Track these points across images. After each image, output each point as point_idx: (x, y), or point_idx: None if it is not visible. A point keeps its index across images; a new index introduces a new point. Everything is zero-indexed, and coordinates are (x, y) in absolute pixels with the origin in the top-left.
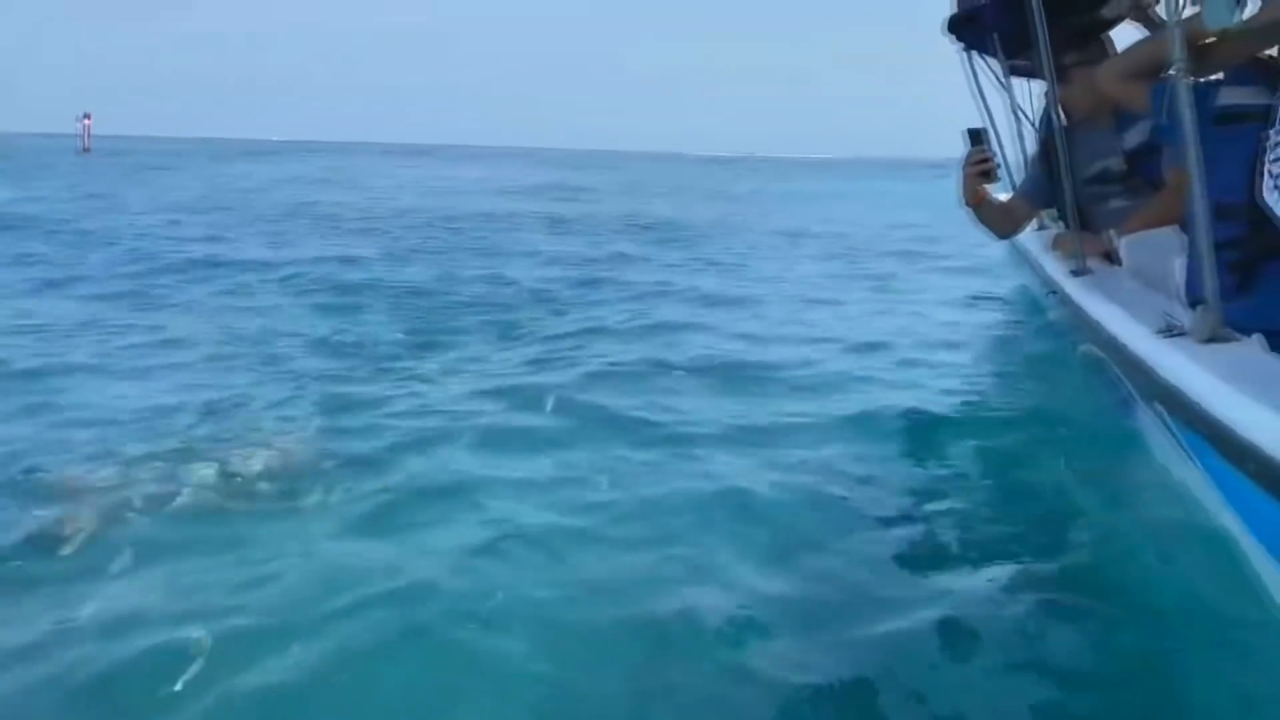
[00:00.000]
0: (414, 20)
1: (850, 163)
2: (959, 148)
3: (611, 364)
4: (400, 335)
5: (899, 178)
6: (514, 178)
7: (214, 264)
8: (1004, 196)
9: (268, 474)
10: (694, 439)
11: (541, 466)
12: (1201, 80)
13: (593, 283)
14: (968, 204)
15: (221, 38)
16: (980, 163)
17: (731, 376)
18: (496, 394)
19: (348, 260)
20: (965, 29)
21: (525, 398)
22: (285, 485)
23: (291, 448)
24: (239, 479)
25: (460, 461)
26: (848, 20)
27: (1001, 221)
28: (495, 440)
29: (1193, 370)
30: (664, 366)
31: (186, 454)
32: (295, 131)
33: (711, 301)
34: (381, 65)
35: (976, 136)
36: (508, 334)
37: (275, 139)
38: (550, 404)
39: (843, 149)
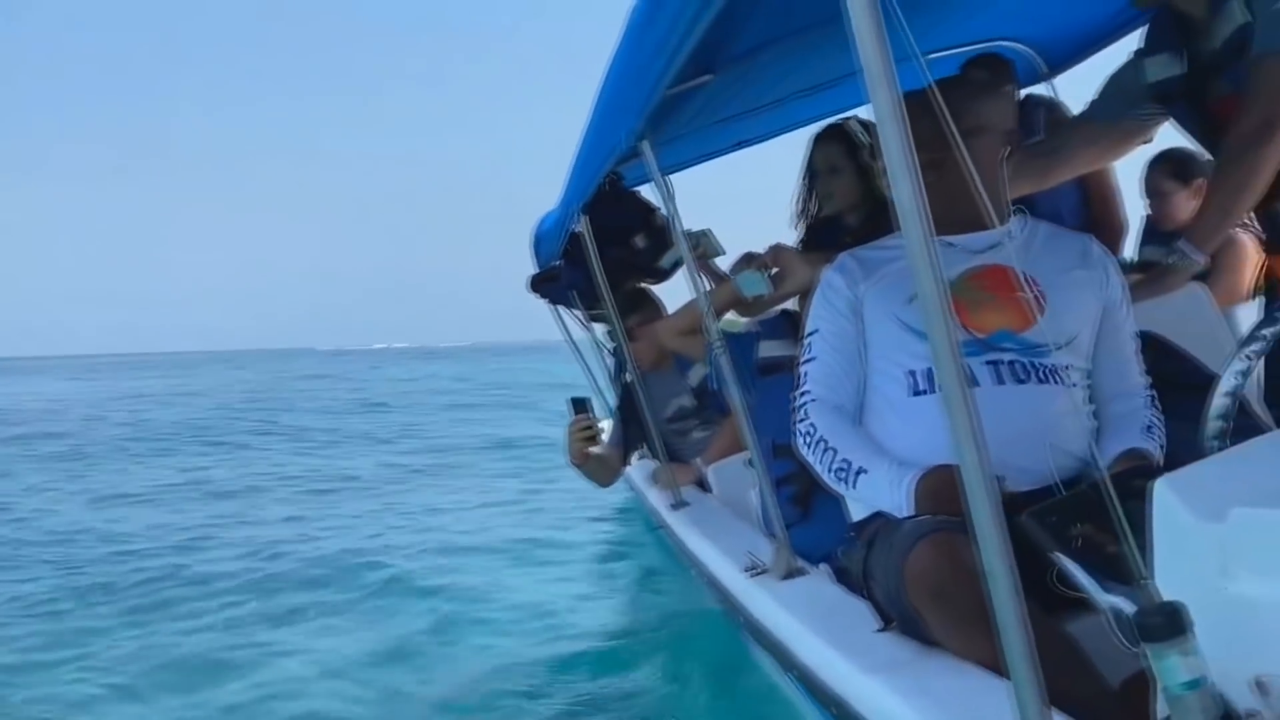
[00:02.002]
0: None
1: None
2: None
3: None
4: None
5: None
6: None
7: None
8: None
9: None
10: None
11: None
12: (745, 333)
13: None
14: (574, 464)
15: None
16: (584, 429)
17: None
18: None
19: None
20: (545, 287)
21: None
22: None
23: None
24: None
25: None
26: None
27: (604, 473)
28: None
29: (774, 609)
30: None
31: None
32: None
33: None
34: None
35: (580, 405)
36: None
37: None
38: None
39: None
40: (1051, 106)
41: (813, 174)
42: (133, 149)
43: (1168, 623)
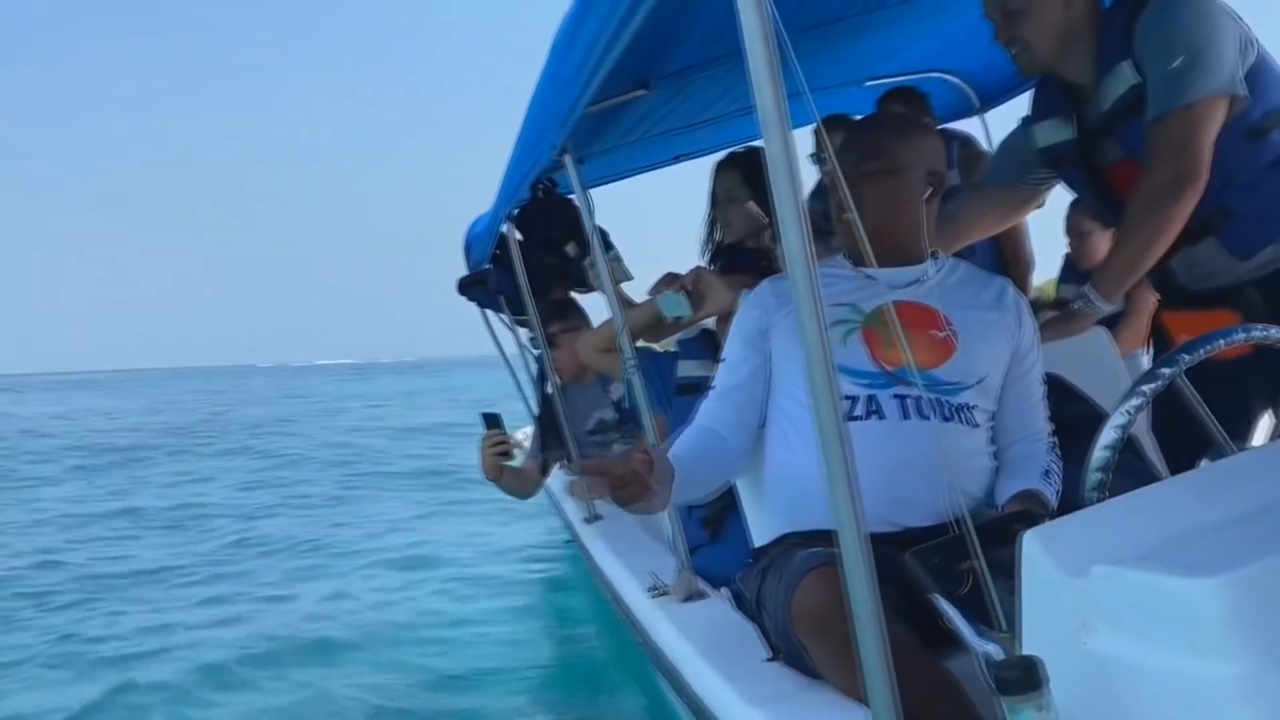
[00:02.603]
0: None
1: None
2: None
3: None
4: None
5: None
6: None
7: None
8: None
9: None
10: None
11: None
12: (664, 352)
13: None
14: (489, 480)
15: None
16: (497, 444)
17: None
18: None
19: None
20: (473, 290)
21: None
22: None
23: None
24: None
25: None
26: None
27: (521, 487)
28: None
29: (669, 632)
30: None
31: None
32: None
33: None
34: None
35: (493, 420)
36: None
37: None
38: None
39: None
40: (965, 141)
41: (714, 201)
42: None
43: (1023, 677)
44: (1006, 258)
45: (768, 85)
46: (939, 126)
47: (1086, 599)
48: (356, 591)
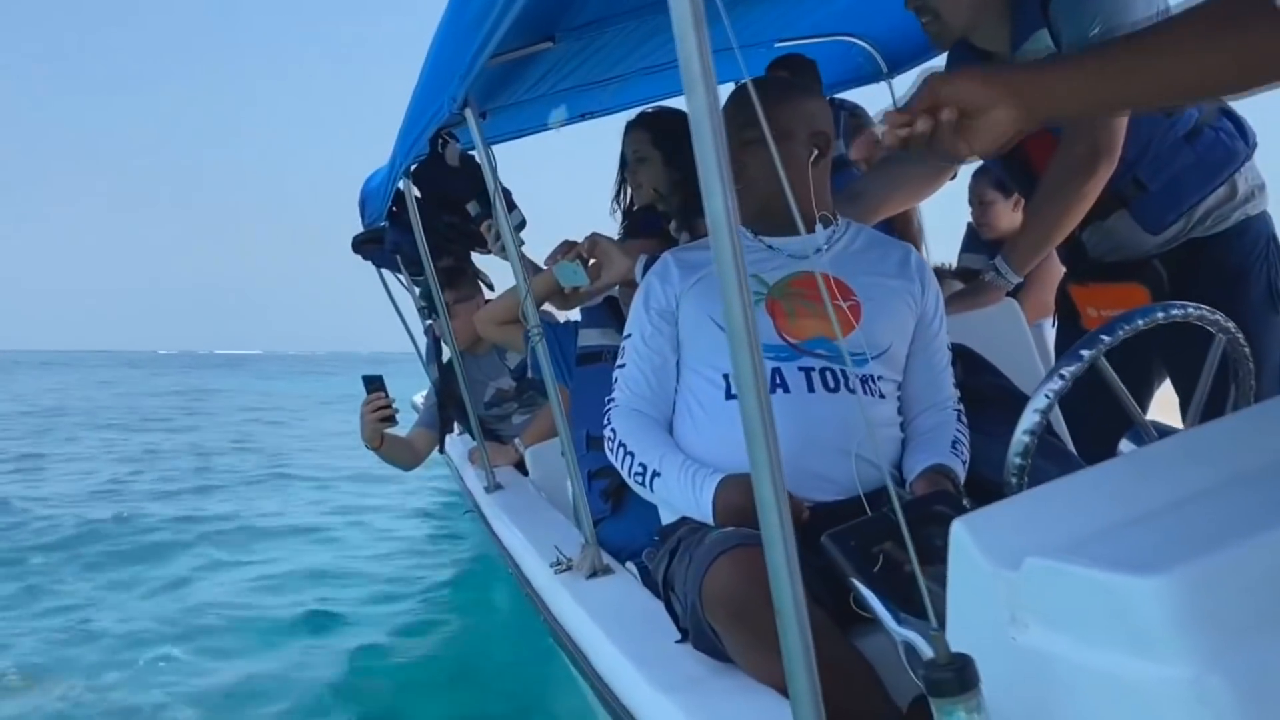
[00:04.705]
0: None
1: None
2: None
3: None
4: None
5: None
6: None
7: None
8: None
9: None
10: None
11: None
12: (563, 322)
13: None
14: (370, 447)
15: None
16: (379, 409)
17: None
18: None
19: None
20: (368, 249)
21: None
22: None
23: None
24: None
25: None
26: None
27: (407, 456)
28: None
29: (575, 610)
30: None
31: None
32: None
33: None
34: None
35: (374, 383)
36: None
37: None
38: None
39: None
40: (853, 111)
41: (623, 163)
42: None
43: (956, 679)
44: (897, 227)
45: (692, 36)
46: (846, 91)
47: (1018, 591)
48: (233, 577)
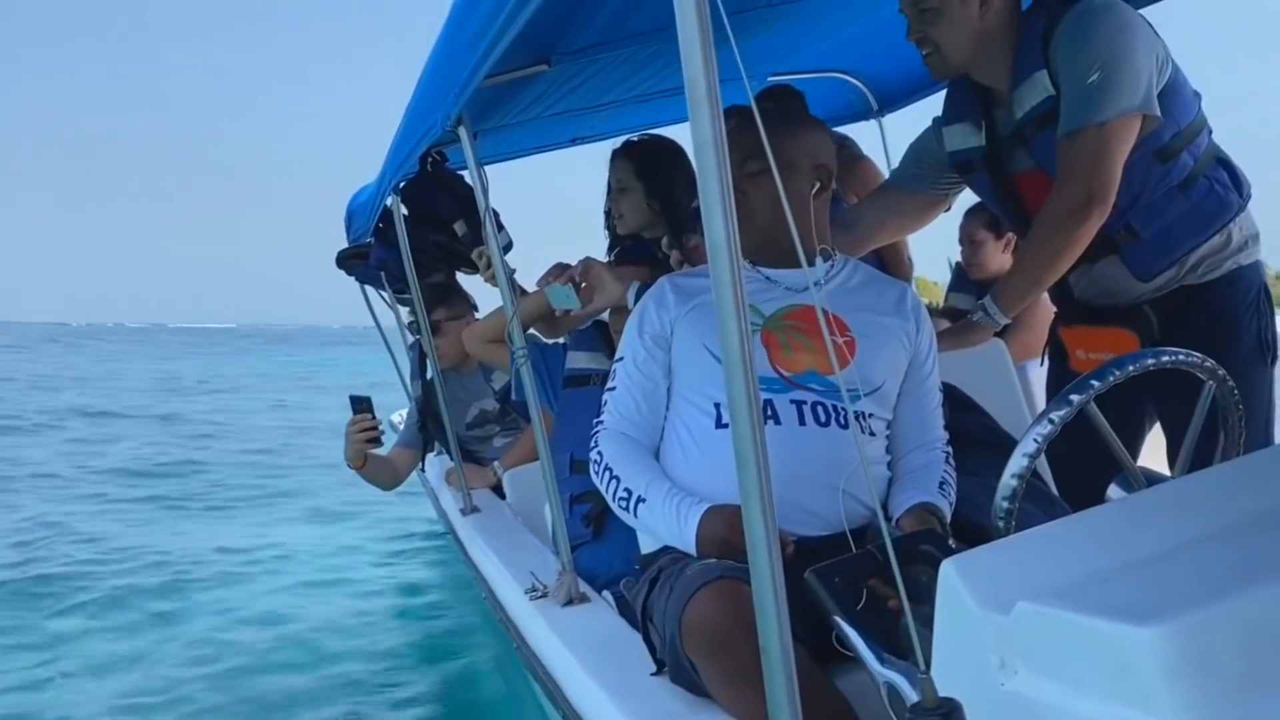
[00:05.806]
0: None
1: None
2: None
3: None
4: None
5: None
6: None
7: None
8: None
9: None
10: None
11: None
12: (550, 344)
13: None
14: (352, 467)
15: None
16: (365, 429)
17: None
18: None
19: None
20: (353, 265)
21: None
22: None
23: None
24: None
25: None
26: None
27: (388, 476)
28: None
29: (549, 638)
30: None
31: None
32: None
33: None
34: None
35: (361, 404)
36: None
37: None
38: None
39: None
40: (842, 142)
41: (609, 191)
42: None
43: None
44: (887, 262)
45: (699, 60)
46: (837, 128)
47: (1008, 636)
48: (201, 601)
